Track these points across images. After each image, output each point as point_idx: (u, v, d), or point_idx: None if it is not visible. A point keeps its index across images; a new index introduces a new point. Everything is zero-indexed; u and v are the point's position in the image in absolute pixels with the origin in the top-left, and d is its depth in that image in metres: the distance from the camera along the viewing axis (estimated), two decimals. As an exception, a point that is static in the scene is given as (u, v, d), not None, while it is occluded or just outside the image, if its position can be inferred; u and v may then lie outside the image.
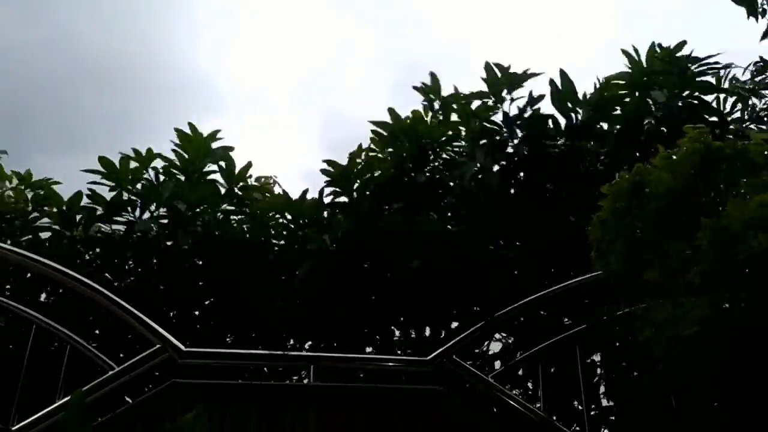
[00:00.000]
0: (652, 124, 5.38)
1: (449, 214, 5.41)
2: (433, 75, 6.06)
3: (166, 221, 5.88)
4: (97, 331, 5.46)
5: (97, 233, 5.94)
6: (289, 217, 5.89)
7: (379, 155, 5.96)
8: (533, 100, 5.69)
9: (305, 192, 6.03)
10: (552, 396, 4.82)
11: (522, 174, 5.35)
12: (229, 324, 5.64)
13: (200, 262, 5.72)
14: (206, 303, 5.76)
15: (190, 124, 6.24)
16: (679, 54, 5.74)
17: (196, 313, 5.99)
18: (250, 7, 13.68)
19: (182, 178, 6.13)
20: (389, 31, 13.95)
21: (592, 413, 4.77)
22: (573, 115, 5.63)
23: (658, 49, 5.72)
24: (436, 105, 6.03)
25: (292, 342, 5.89)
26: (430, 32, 13.93)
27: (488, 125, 5.72)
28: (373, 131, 5.95)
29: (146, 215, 5.88)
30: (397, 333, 5.68)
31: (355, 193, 5.81)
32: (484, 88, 5.90)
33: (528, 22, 13.29)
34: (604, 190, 3.54)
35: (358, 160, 5.90)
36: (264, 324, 5.53)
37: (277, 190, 7.09)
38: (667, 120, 5.31)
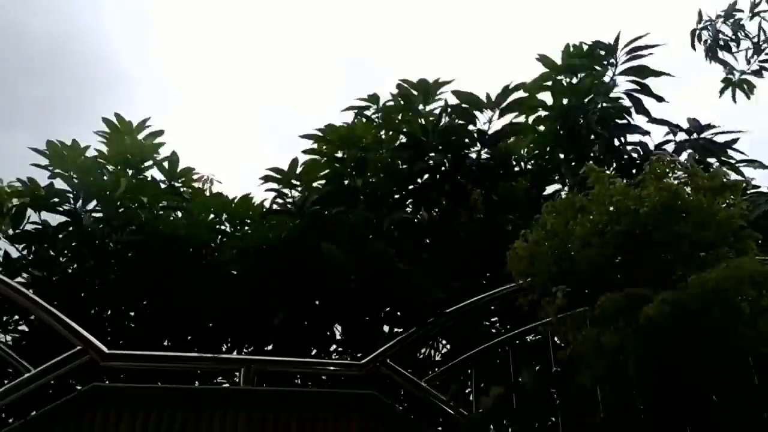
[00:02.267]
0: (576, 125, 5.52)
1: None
2: (371, 95, 6.13)
3: (101, 214, 5.64)
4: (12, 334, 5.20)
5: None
6: (225, 216, 5.77)
7: (322, 160, 5.93)
8: (447, 108, 5.74)
9: (247, 194, 5.97)
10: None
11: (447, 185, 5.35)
12: (166, 326, 5.46)
13: (137, 259, 5.50)
14: (142, 303, 5.56)
15: (117, 115, 6.09)
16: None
17: (132, 313, 5.80)
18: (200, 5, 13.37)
19: (117, 169, 5.92)
20: (339, 28, 13.88)
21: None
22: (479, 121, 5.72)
23: (571, 48, 5.84)
24: (371, 112, 6.09)
25: (230, 346, 5.77)
26: (381, 29, 13.93)
27: (409, 137, 5.73)
28: (313, 137, 5.92)
29: (81, 206, 5.64)
30: (338, 336, 5.63)
31: (295, 197, 5.76)
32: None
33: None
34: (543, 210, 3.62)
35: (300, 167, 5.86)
36: (201, 326, 5.39)
37: (215, 189, 7.01)
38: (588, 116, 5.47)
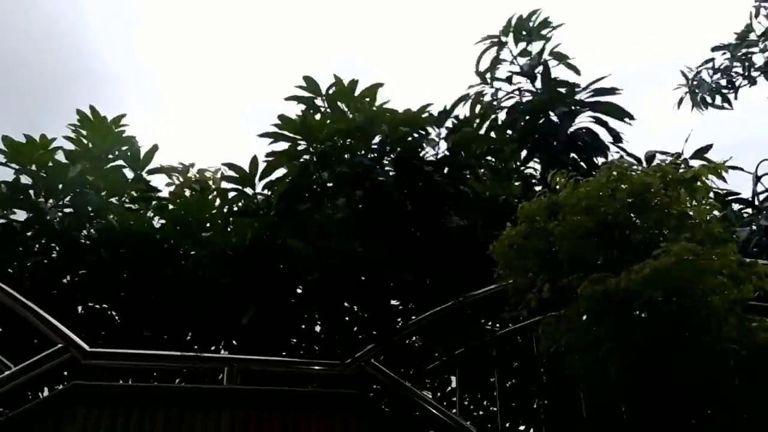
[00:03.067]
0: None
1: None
2: (307, 78, 5.95)
3: (71, 209, 5.56)
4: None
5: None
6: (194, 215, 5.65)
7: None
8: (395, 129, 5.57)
9: (211, 192, 5.89)
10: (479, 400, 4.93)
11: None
12: (141, 323, 5.40)
13: (108, 256, 5.42)
14: (115, 300, 5.48)
15: (92, 108, 5.96)
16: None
17: (111, 311, 5.74)
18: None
19: (87, 165, 5.82)
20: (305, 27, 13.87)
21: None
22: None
23: None
24: (320, 102, 5.93)
25: (207, 344, 5.73)
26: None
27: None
28: (272, 134, 5.84)
29: (50, 203, 5.55)
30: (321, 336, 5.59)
31: (258, 197, 5.67)
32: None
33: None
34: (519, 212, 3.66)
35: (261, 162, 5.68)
36: (177, 325, 5.33)
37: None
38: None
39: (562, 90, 5.97)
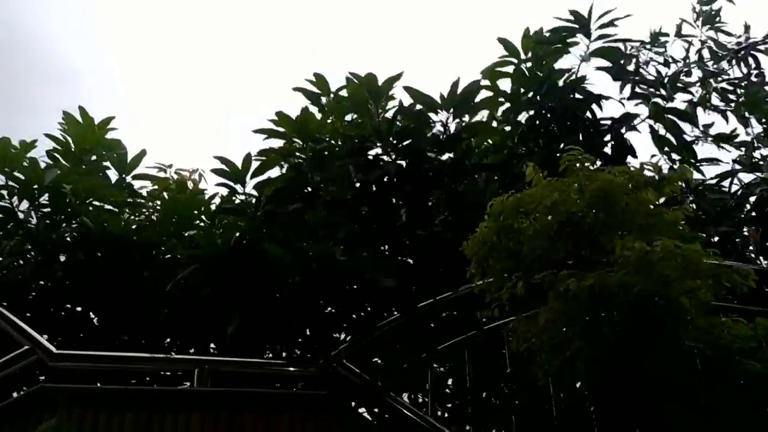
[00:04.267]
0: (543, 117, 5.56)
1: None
2: (318, 75, 5.87)
3: (49, 209, 5.50)
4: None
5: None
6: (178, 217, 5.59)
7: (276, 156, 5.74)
8: (402, 108, 5.55)
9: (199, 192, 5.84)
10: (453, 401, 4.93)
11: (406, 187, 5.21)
12: (118, 327, 5.36)
13: (85, 258, 5.36)
14: (92, 303, 5.43)
15: (81, 108, 5.90)
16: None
17: (91, 314, 5.68)
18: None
19: (68, 165, 5.77)
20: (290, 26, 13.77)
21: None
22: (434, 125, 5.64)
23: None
24: (324, 101, 5.85)
25: (185, 349, 5.69)
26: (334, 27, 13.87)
27: (362, 142, 5.52)
28: (267, 131, 5.76)
29: (26, 204, 5.48)
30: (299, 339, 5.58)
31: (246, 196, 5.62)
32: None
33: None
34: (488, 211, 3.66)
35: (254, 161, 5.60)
36: (155, 329, 5.29)
37: (202, 184, 6.87)
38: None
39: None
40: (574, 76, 5.94)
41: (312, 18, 13.47)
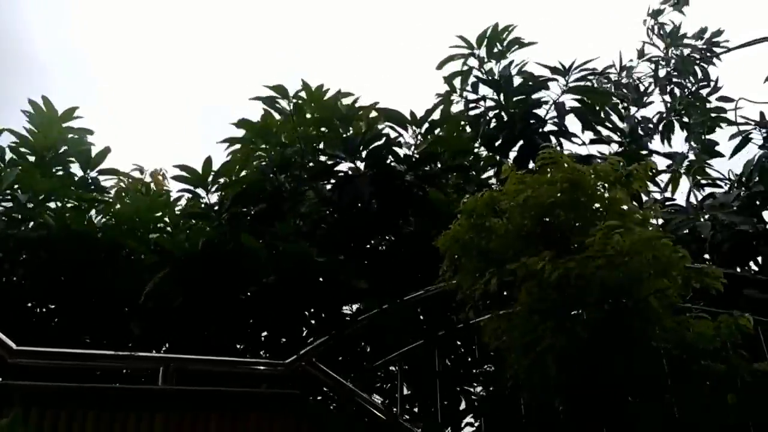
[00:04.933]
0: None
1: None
2: (277, 86, 5.77)
3: (10, 204, 5.33)
4: None
5: None
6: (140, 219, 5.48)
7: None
8: (371, 126, 5.54)
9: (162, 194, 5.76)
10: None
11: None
12: (82, 329, 5.22)
13: (47, 256, 5.22)
14: (56, 302, 5.29)
15: (44, 98, 5.67)
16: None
17: (54, 312, 5.54)
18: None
19: (33, 159, 5.60)
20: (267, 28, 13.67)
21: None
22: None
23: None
24: (285, 104, 5.78)
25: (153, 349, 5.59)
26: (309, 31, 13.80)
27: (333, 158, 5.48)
28: (231, 140, 5.73)
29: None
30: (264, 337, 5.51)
31: (211, 198, 5.50)
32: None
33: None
34: (461, 207, 3.66)
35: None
36: (121, 330, 5.16)
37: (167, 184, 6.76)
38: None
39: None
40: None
41: (298, 18, 13.40)
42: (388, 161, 5.37)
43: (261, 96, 5.80)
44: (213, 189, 5.51)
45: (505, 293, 3.66)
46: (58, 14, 12.94)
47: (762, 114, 6.45)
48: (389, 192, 5.07)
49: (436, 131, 5.81)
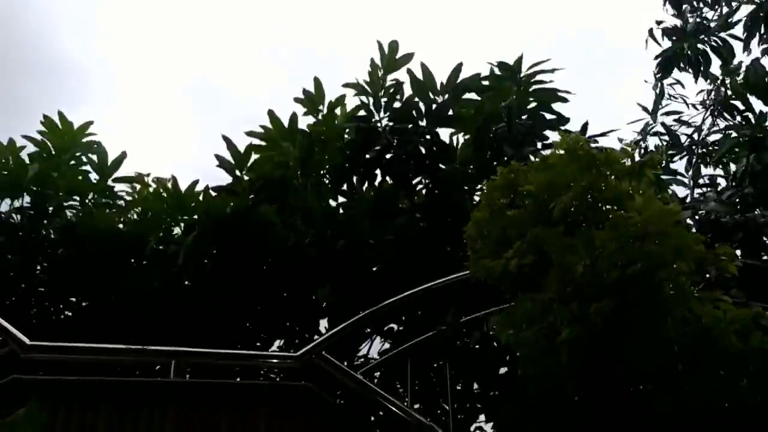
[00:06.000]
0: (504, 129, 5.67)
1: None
2: (316, 80, 6.01)
3: (32, 212, 5.45)
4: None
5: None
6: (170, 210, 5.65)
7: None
8: (398, 87, 5.83)
9: (195, 183, 5.90)
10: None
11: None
12: (104, 326, 5.30)
13: (69, 255, 5.31)
14: (76, 301, 5.38)
15: (60, 113, 5.92)
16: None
17: (67, 312, 5.63)
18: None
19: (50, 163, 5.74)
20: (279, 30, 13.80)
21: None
22: (433, 103, 5.85)
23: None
24: (321, 108, 6.02)
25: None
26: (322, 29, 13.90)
27: (360, 123, 5.78)
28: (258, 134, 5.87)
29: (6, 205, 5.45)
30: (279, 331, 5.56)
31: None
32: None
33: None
34: (483, 187, 3.64)
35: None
36: (143, 326, 5.23)
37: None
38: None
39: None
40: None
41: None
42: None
43: (302, 99, 6.09)
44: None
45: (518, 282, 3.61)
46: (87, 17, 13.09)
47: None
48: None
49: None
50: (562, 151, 3.65)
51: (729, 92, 7.20)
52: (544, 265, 3.38)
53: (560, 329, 3.39)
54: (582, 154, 3.58)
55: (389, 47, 5.85)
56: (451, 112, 5.86)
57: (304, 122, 6.02)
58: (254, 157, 5.96)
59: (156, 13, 13.27)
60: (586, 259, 3.24)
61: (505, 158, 5.22)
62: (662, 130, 7.64)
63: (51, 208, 5.39)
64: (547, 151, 4.44)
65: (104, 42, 13.71)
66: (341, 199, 5.79)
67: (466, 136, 5.90)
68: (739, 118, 6.63)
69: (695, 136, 7.55)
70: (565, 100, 5.92)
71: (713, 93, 7.70)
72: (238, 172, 5.91)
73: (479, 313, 3.91)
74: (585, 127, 5.87)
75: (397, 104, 5.84)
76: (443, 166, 5.47)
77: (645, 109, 7.86)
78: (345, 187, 5.62)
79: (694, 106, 7.87)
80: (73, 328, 5.45)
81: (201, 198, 5.78)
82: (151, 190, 6.12)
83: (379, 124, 5.70)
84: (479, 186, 5.76)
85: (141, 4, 13.17)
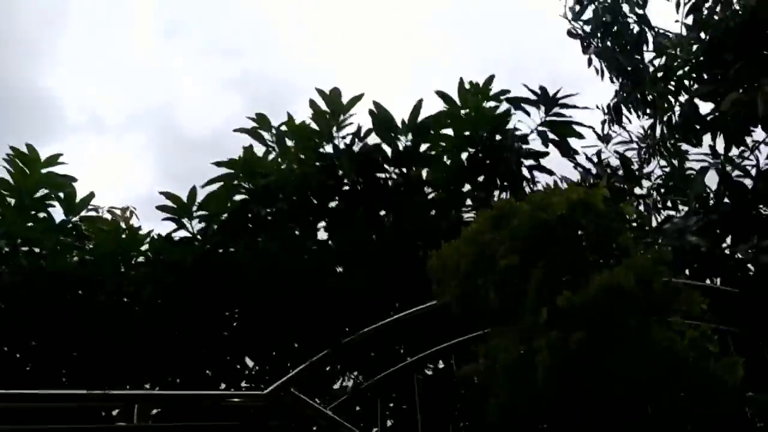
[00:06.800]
0: (478, 156, 5.65)
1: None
2: (259, 115, 5.95)
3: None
4: None
5: None
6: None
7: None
8: (360, 131, 5.75)
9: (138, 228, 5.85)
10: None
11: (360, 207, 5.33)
12: (61, 368, 5.14)
13: (24, 298, 5.16)
14: (32, 343, 5.22)
15: (29, 146, 5.77)
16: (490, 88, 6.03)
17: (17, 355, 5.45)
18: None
19: (12, 201, 5.60)
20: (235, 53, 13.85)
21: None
22: (396, 142, 5.78)
23: (467, 86, 5.95)
24: (267, 136, 5.96)
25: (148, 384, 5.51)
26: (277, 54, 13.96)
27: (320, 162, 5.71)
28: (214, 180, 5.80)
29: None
30: (250, 365, 5.47)
31: (194, 227, 5.62)
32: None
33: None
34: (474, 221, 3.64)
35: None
36: (100, 366, 5.09)
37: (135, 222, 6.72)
38: (488, 151, 5.66)
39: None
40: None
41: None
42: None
43: (244, 128, 5.98)
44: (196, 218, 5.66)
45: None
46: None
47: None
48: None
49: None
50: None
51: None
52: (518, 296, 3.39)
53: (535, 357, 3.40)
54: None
55: (331, 93, 5.77)
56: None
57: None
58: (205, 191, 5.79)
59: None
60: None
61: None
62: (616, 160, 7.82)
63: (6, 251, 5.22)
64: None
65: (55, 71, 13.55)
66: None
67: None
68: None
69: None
70: (581, 136, 6.00)
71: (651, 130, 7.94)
72: (187, 221, 5.71)
73: (447, 342, 3.88)
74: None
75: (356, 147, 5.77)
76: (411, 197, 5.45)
77: (600, 136, 8.01)
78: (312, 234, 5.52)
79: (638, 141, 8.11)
80: (29, 372, 5.29)
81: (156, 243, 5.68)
82: (105, 227, 6.02)
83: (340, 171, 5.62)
84: (452, 211, 5.77)
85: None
